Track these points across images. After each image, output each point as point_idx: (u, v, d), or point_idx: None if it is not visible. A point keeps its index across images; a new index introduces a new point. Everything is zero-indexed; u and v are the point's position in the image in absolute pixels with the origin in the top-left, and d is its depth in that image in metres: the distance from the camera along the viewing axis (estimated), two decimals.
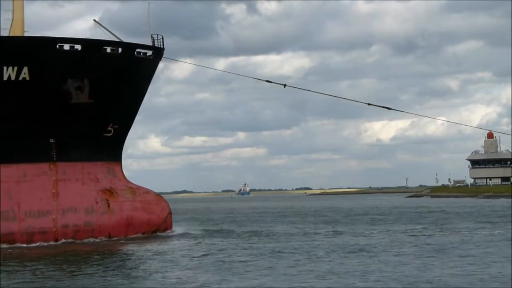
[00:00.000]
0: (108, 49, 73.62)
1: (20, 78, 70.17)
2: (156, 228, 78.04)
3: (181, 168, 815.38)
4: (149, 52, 76.32)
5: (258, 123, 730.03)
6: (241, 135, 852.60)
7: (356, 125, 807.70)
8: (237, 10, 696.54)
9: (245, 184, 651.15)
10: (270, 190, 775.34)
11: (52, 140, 72.92)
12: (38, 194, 72.60)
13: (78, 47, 71.93)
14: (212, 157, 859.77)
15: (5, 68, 69.71)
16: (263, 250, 61.05)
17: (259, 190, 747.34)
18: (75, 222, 73.50)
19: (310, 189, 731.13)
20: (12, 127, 71.03)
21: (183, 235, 78.26)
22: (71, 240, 72.68)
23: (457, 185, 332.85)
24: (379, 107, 70.32)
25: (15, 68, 69.88)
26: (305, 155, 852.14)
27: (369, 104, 70.92)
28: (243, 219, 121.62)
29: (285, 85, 74.33)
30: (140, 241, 71.92)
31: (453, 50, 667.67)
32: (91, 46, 72.41)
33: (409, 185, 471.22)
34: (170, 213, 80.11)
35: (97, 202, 74.94)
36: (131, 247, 67.08)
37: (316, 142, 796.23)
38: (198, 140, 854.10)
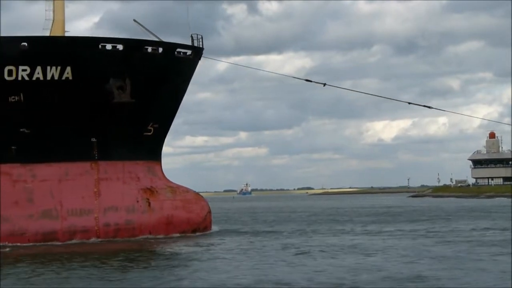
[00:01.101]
0: (149, 49, 74.11)
1: (63, 78, 70.65)
2: (196, 227, 78.38)
3: (183, 167, 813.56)
4: (189, 52, 76.88)
5: (260, 122, 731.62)
6: (243, 135, 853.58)
7: (357, 125, 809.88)
8: (238, 10, 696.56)
9: (246, 184, 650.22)
10: (271, 190, 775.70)
11: (93, 139, 73.45)
12: (80, 193, 73.04)
13: (120, 47, 72.46)
14: (214, 157, 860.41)
15: (48, 67, 70.15)
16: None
17: (261, 190, 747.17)
18: (117, 221, 73.96)
19: (312, 188, 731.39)
20: (54, 126, 71.56)
21: (226, 234, 78.84)
22: (111, 238, 73.31)
23: (459, 185, 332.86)
24: (420, 106, 71.15)
25: (58, 68, 70.36)
26: (306, 155, 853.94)
27: (409, 103, 71.90)
28: (270, 218, 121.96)
29: (324, 84, 75.01)
30: (183, 240, 72.36)
31: (454, 50, 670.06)
32: (133, 45, 72.95)
33: (411, 185, 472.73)
34: (209, 212, 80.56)
35: (138, 201, 75.40)
36: (180, 245, 67.61)
37: (317, 142, 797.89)
38: (200, 140, 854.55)
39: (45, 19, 75.02)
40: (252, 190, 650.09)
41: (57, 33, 74.58)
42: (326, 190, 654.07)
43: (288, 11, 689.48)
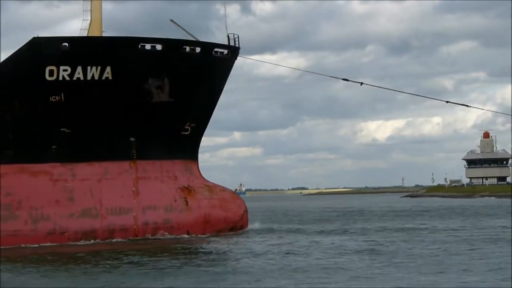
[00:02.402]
0: (187, 49, 74.67)
1: (103, 78, 71.20)
2: (233, 226, 79.03)
3: None
4: (226, 51, 77.45)
5: (254, 123, 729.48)
6: (237, 135, 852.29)
7: (352, 125, 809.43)
8: (231, 11, 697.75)
9: (240, 184, 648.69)
10: (265, 190, 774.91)
11: (132, 139, 73.99)
12: (119, 192, 73.64)
13: (159, 47, 73.04)
14: (209, 157, 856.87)
15: (88, 67, 70.68)
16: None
17: (255, 190, 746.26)
18: (155, 220, 74.53)
19: (306, 188, 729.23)
20: (94, 126, 72.10)
21: (265, 232, 79.52)
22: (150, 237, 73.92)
23: (453, 184, 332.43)
24: (458, 105, 72.10)
25: (98, 67, 70.88)
26: (301, 155, 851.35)
27: (447, 101, 72.88)
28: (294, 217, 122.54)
29: (361, 83, 75.80)
30: (222, 238, 72.99)
31: (447, 50, 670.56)
32: (171, 45, 73.50)
33: (405, 184, 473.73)
34: (246, 211, 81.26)
35: (175, 200, 75.96)
36: (220, 243, 68.21)
37: (312, 142, 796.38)
38: None
39: (83, 19, 75.49)
40: (247, 190, 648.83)
41: (95, 33, 75.05)
42: (320, 190, 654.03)
43: (281, 12, 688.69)
